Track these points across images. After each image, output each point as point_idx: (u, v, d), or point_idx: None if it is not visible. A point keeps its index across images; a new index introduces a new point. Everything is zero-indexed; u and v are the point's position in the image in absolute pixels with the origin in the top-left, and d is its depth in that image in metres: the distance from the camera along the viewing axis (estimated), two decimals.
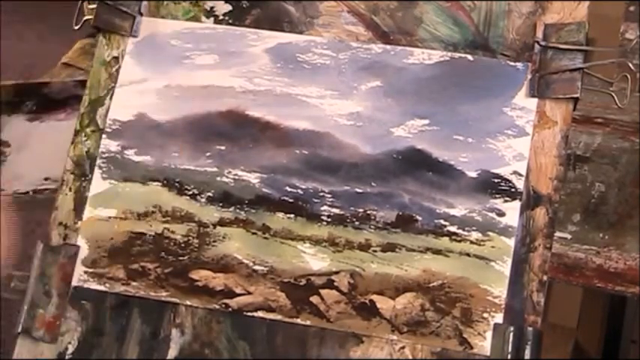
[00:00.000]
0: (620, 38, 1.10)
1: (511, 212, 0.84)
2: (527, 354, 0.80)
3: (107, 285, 0.87)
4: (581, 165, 1.10)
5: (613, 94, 0.89)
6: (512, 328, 0.81)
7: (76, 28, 0.94)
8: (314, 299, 0.84)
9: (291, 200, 0.87)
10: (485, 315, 0.81)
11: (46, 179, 1.11)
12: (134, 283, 0.87)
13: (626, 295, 1.15)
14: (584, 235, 1.08)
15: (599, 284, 1.07)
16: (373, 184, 0.86)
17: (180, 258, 0.87)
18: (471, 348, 0.81)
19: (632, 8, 1.11)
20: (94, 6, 0.93)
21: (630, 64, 0.89)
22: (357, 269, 0.84)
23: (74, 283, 0.87)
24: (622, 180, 1.09)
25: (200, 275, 0.86)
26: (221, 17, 0.93)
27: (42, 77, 1.16)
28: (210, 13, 0.94)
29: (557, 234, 1.05)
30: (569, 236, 1.08)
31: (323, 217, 0.86)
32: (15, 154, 1.14)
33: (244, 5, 0.93)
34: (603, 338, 1.47)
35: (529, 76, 0.87)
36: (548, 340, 0.92)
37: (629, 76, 0.88)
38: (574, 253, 1.08)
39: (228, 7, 0.94)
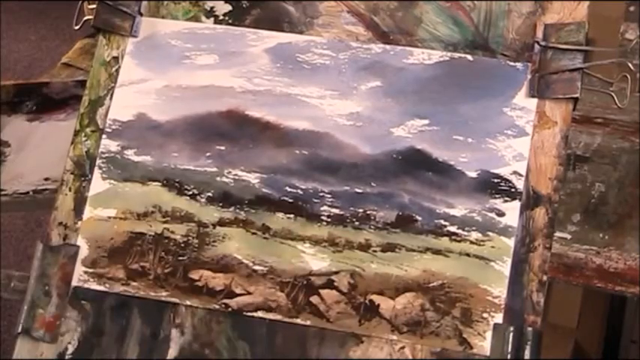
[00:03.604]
0: (620, 38, 1.10)
1: (511, 212, 0.84)
2: (527, 354, 0.80)
3: (107, 285, 0.87)
4: (581, 165, 1.10)
5: (613, 94, 0.89)
6: (511, 328, 0.80)
7: (77, 28, 0.94)
8: (314, 299, 0.84)
9: (291, 200, 0.87)
10: (485, 315, 0.81)
11: (46, 179, 1.11)
12: (134, 283, 0.87)
13: (626, 295, 1.14)
14: (584, 235, 1.08)
15: (599, 284, 1.07)
16: (373, 184, 0.86)
17: (180, 258, 0.87)
18: (471, 348, 0.81)
19: (632, 8, 1.11)
20: (94, 6, 0.93)
21: (630, 64, 0.89)
22: (357, 269, 0.84)
23: (74, 283, 0.87)
24: (622, 180, 1.09)
25: (200, 275, 0.86)
26: (221, 17, 0.93)
27: (42, 77, 1.16)
28: (210, 13, 0.94)
29: (557, 234, 1.05)
30: (569, 236, 1.08)
31: (323, 217, 0.86)
32: (15, 154, 1.13)
33: (244, 5, 0.93)
34: (603, 338, 1.47)
35: (529, 76, 0.87)
36: (548, 340, 0.91)
37: (629, 76, 0.88)
38: (574, 253, 1.07)
39: (228, 7, 0.94)
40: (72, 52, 1.20)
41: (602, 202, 1.09)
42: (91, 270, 0.87)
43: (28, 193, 1.11)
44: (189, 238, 0.87)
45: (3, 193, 1.10)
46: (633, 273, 1.05)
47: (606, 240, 1.07)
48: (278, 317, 0.84)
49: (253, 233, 0.86)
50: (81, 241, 0.88)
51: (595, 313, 1.43)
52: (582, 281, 1.08)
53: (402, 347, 0.82)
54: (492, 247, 0.83)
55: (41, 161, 1.11)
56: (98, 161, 0.90)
